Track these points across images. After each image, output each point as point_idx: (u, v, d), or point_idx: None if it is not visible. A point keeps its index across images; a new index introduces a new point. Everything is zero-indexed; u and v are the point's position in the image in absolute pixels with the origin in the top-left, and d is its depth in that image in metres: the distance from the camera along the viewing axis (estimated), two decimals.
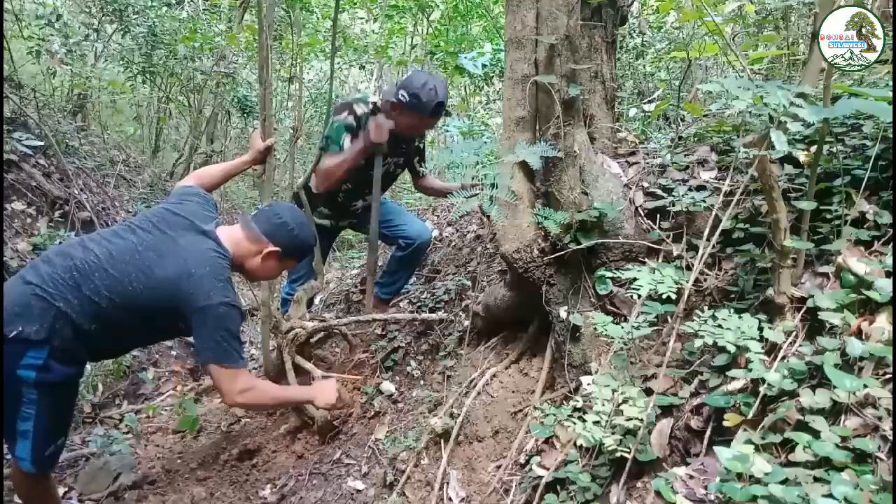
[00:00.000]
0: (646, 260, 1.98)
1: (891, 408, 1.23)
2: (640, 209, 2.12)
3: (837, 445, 1.22)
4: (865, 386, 1.27)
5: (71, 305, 1.89)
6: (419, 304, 3.12)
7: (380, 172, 2.99)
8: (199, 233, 2.08)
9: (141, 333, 2.14)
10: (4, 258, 3.59)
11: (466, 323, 2.60)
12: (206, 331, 1.98)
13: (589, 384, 1.73)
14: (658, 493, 1.39)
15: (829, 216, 1.66)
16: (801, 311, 1.55)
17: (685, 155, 2.25)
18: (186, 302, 1.95)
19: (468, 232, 3.63)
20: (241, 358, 2.06)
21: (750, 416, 1.39)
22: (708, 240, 1.57)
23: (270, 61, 2.58)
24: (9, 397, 1.89)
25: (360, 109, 2.92)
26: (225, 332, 1.99)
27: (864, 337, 1.38)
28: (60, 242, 3.83)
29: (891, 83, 2.00)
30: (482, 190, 1.84)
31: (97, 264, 1.96)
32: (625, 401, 1.58)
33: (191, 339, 2.25)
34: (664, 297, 1.59)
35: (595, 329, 1.77)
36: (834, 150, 1.79)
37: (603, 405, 1.60)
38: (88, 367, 3.40)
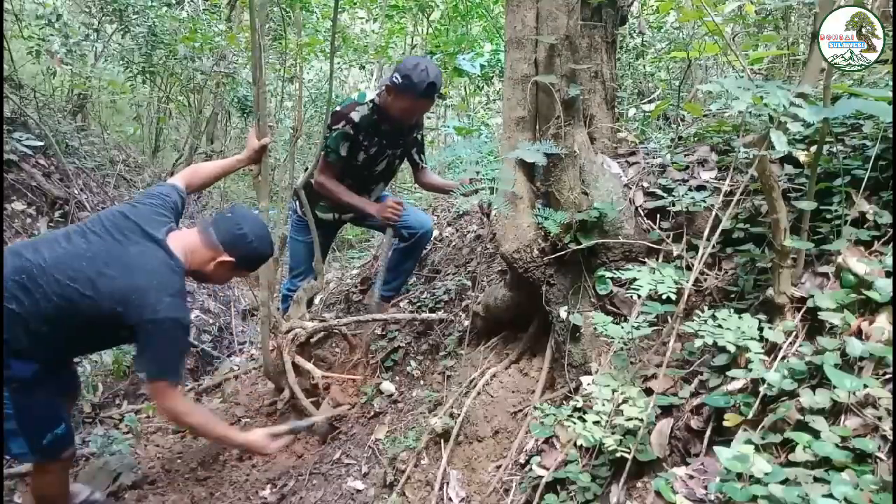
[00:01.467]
0: (646, 260, 1.98)
1: (891, 408, 1.23)
2: (640, 209, 2.13)
3: (837, 445, 1.22)
4: (865, 386, 1.27)
5: (22, 307, 1.89)
6: (419, 304, 3.12)
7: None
8: (151, 240, 2.02)
9: (91, 339, 2.10)
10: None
11: (466, 323, 2.60)
12: (150, 344, 1.95)
13: (589, 384, 1.73)
14: (658, 493, 1.39)
15: (829, 216, 1.66)
16: (801, 311, 1.55)
17: (685, 155, 2.25)
18: (132, 313, 1.91)
19: (468, 232, 3.62)
20: (176, 375, 2.03)
21: (750, 416, 1.39)
22: (708, 240, 1.57)
23: (263, 61, 2.58)
24: None
25: (359, 114, 2.94)
26: (169, 348, 1.98)
27: (864, 337, 1.38)
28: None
29: (891, 83, 2.00)
30: (482, 186, 1.84)
31: (44, 268, 1.92)
32: (625, 401, 1.58)
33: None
34: (664, 297, 1.59)
35: (595, 329, 1.77)
36: (834, 150, 1.79)
37: (603, 405, 1.60)
38: (88, 366, 3.42)
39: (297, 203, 3.23)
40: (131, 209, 2.14)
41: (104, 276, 1.92)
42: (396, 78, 2.81)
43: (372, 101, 2.97)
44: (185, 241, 2.10)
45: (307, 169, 3.11)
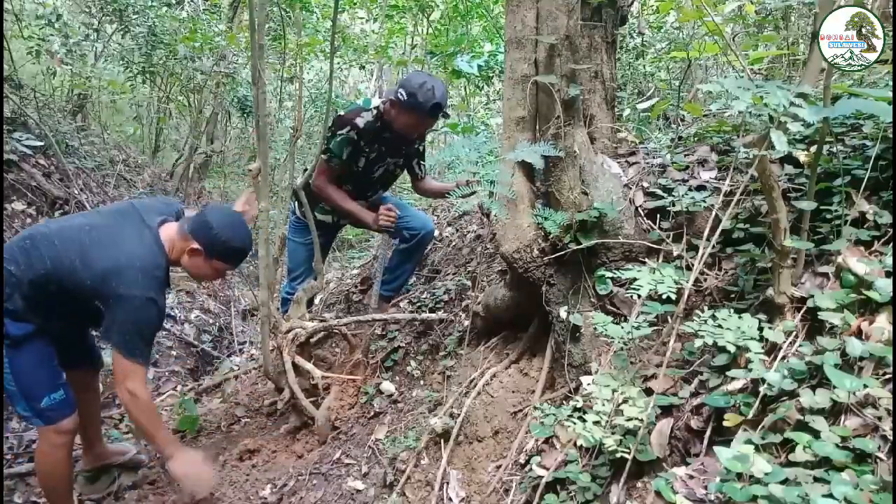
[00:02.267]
0: (646, 260, 1.97)
1: (891, 408, 1.23)
2: (640, 209, 2.13)
3: (837, 445, 1.22)
4: (865, 386, 1.27)
5: (19, 269, 2.07)
6: (419, 304, 3.12)
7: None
8: (144, 227, 2.18)
9: (71, 308, 2.19)
10: None
11: (466, 323, 2.60)
12: (118, 316, 2.05)
13: (589, 384, 1.73)
14: (658, 493, 1.39)
15: (829, 216, 1.66)
16: (801, 311, 1.55)
17: (685, 155, 2.25)
18: (109, 288, 2.03)
19: (468, 232, 3.63)
20: (141, 356, 2.10)
21: (750, 416, 1.39)
22: (708, 240, 1.57)
23: (263, 62, 2.58)
24: None
25: (363, 120, 2.94)
26: (133, 325, 2.06)
27: (864, 337, 1.38)
28: None
29: (891, 83, 2.00)
30: (480, 187, 1.84)
31: (47, 234, 2.12)
32: (625, 401, 1.58)
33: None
34: (664, 297, 1.59)
35: (595, 329, 1.77)
36: (834, 150, 1.79)
37: (603, 405, 1.60)
38: None
39: (297, 205, 3.23)
40: (137, 201, 2.36)
41: (93, 250, 2.08)
42: (402, 94, 2.80)
43: (377, 108, 2.96)
44: (170, 232, 2.23)
45: (306, 170, 3.11)
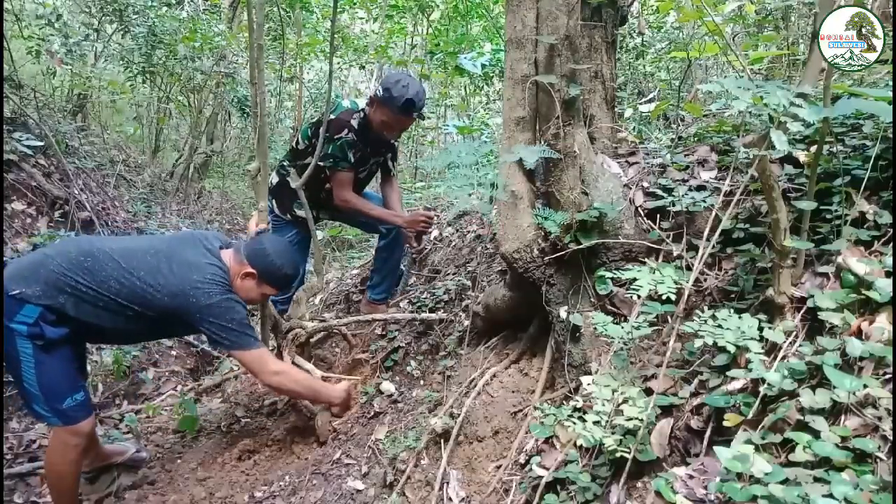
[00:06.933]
0: (646, 260, 1.97)
1: (891, 408, 1.23)
2: (640, 209, 2.13)
3: (837, 445, 1.22)
4: (865, 386, 1.27)
5: (81, 285, 2.15)
6: (419, 304, 3.12)
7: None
8: (206, 250, 2.37)
9: (141, 326, 2.29)
10: (4, 258, 3.59)
11: (466, 323, 2.60)
12: (216, 324, 2.24)
13: (589, 384, 1.73)
14: (658, 493, 1.39)
15: (829, 216, 1.66)
16: (801, 311, 1.55)
17: (685, 155, 2.25)
18: (191, 305, 2.20)
19: (468, 232, 3.62)
20: (252, 342, 2.32)
21: (750, 416, 1.39)
22: (708, 240, 1.57)
23: (263, 62, 2.60)
24: (10, 354, 2.11)
25: (356, 121, 2.98)
26: (230, 323, 2.25)
27: (864, 337, 1.38)
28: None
29: (891, 83, 2.00)
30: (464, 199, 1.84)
31: (111, 254, 2.23)
32: (625, 401, 1.58)
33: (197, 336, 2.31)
34: (664, 297, 1.59)
35: (595, 329, 1.77)
36: (834, 150, 1.79)
37: (603, 405, 1.60)
38: (88, 367, 3.41)
39: (274, 203, 3.23)
40: (194, 231, 2.59)
41: (164, 272, 2.23)
42: (379, 90, 2.87)
43: (363, 109, 3.00)
44: (227, 257, 2.42)
45: (283, 169, 3.13)
